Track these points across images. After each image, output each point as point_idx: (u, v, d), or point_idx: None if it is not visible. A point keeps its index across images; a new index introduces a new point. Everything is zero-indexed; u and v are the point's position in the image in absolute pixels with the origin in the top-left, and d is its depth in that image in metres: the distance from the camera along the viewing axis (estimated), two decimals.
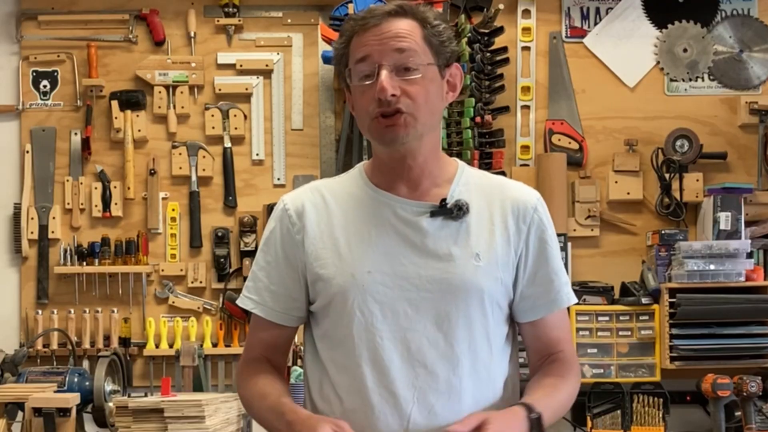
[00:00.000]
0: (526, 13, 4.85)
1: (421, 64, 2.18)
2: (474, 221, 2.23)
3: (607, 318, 4.54)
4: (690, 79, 4.84)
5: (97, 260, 4.74)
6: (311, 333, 2.30)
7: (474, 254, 2.20)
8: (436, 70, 2.22)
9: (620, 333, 4.53)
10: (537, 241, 2.27)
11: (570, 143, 4.80)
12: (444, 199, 2.22)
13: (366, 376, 2.17)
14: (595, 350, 4.52)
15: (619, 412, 4.48)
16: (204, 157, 4.81)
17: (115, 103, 4.79)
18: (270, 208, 4.10)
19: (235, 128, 4.82)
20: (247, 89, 4.84)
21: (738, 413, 4.40)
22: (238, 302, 2.36)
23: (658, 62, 4.84)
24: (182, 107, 4.83)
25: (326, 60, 4.65)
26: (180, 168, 4.82)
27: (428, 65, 2.20)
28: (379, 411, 2.15)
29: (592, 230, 4.76)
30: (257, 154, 4.84)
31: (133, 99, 4.82)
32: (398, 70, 2.17)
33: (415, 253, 2.19)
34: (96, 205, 4.79)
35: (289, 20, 4.88)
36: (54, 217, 4.79)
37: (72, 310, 4.73)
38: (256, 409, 2.30)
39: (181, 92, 4.82)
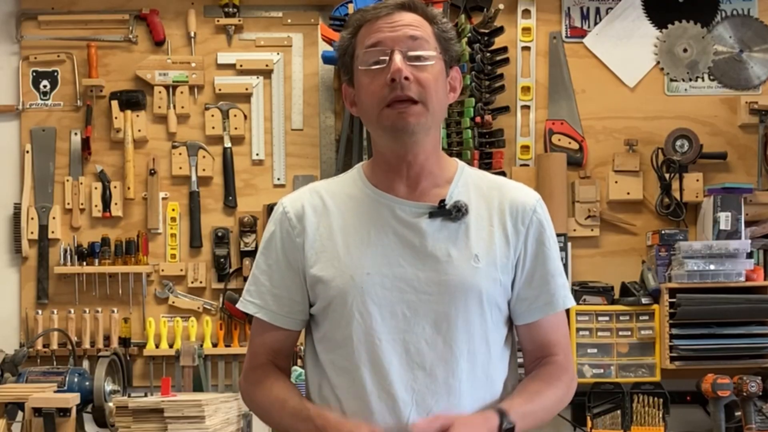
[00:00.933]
0: (526, 13, 4.85)
1: (432, 53, 2.19)
2: (473, 222, 2.22)
3: (607, 318, 4.54)
4: (690, 79, 4.84)
5: (97, 260, 4.74)
6: (311, 335, 2.29)
7: (473, 256, 2.19)
8: (443, 65, 2.22)
9: (620, 333, 4.53)
10: (535, 243, 2.26)
11: (570, 143, 4.80)
12: (443, 200, 2.22)
13: (365, 378, 2.16)
14: (595, 350, 4.53)
15: (619, 412, 4.48)
16: (204, 157, 4.81)
17: (115, 103, 4.79)
18: (270, 209, 4.10)
19: (235, 128, 4.82)
20: (247, 89, 4.84)
21: (738, 413, 4.40)
22: (240, 307, 2.32)
23: (658, 62, 4.84)
24: (182, 107, 4.83)
25: (326, 60, 4.65)
26: (180, 168, 4.82)
27: (438, 56, 2.20)
28: (378, 413, 2.15)
29: (592, 230, 4.76)
30: (257, 154, 4.84)
31: (133, 99, 4.82)
32: (410, 58, 2.16)
33: (414, 255, 2.18)
34: (96, 205, 4.79)
35: (289, 20, 4.88)
36: (54, 217, 4.79)
37: (72, 310, 4.73)
38: (275, 416, 2.26)
39: (181, 92, 4.83)
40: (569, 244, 4.66)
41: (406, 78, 2.13)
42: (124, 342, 4.73)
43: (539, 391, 2.23)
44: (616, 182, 4.76)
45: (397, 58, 2.14)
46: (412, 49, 2.17)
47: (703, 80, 4.85)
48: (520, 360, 2.34)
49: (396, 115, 2.16)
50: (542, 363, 2.30)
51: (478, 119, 4.58)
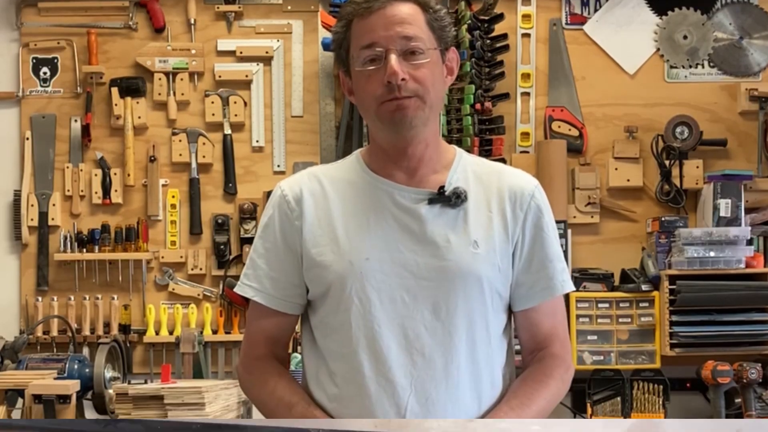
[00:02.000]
0: None
1: (426, 48, 2.18)
2: (472, 208, 2.22)
3: (607, 305, 4.54)
4: (690, 66, 4.83)
5: (97, 247, 4.74)
6: (308, 321, 2.29)
7: (472, 242, 2.19)
8: (438, 54, 2.22)
9: (620, 320, 4.53)
10: (533, 228, 2.26)
11: (570, 130, 4.80)
12: (442, 187, 2.21)
13: (363, 363, 2.16)
14: (595, 337, 4.53)
15: (619, 398, 4.49)
16: (204, 143, 4.81)
17: (115, 90, 4.79)
18: (269, 195, 4.10)
19: (235, 115, 4.82)
20: (247, 76, 4.83)
21: (738, 400, 4.40)
22: (237, 290, 2.32)
23: (658, 49, 4.83)
24: (182, 94, 4.82)
25: (326, 47, 4.64)
26: (180, 155, 4.81)
27: (432, 49, 2.20)
28: (376, 399, 2.15)
29: (592, 217, 4.75)
30: (257, 141, 4.84)
31: (133, 86, 4.81)
32: (405, 55, 2.16)
33: (414, 241, 2.18)
34: (96, 192, 4.79)
35: (289, 7, 4.87)
36: (54, 204, 4.79)
37: (72, 297, 4.73)
38: (280, 417, 2.25)
39: (181, 79, 4.82)
40: (569, 231, 4.65)
41: (403, 79, 2.14)
42: (124, 329, 4.73)
43: (532, 394, 2.22)
44: (616, 169, 4.76)
45: (393, 59, 2.15)
46: (407, 46, 2.16)
47: (703, 67, 4.84)
48: (516, 347, 2.33)
49: (394, 108, 2.16)
50: (537, 357, 2.29)
51: (478, 106, 4.58)
